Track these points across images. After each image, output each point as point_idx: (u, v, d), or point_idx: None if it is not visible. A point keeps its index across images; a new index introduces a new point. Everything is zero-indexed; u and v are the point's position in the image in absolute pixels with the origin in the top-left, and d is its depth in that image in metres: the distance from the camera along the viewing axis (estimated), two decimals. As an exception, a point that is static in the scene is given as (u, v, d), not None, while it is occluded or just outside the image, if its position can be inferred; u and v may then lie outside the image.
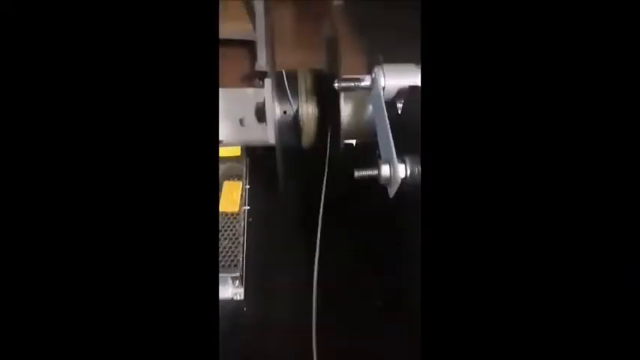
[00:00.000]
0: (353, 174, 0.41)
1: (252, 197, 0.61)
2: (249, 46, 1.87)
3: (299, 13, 2.17)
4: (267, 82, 0.53)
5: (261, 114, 0.55)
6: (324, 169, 0.52)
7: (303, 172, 0.60)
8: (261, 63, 1.76)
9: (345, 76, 0.45)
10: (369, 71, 0.46)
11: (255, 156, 0.66)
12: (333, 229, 0.51)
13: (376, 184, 0.41)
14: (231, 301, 0.53)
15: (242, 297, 0.53)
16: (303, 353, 0.44)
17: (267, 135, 0.57)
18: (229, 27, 1.76)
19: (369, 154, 0.50)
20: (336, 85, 0.43)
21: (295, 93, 0.53)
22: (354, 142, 0.72)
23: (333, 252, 0.51)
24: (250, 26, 1.77)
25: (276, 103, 0.52)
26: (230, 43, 1.81)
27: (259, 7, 1.69)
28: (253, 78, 1.77)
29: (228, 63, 1.83)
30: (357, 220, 0.58)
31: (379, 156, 0.40)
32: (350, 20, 2.29)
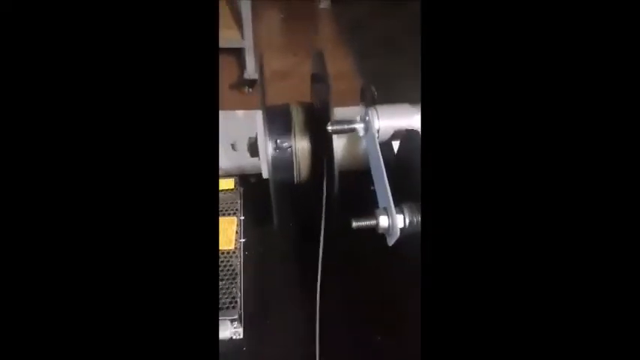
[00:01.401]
0: (349, 218, 0.40)
1: (248, 228, 0.61)
2: (236, 53, 1.85)
3: (286, 17, 2.15)
4: (259, 115, 0.52)
5: (254, 149, 0.55)
6: (321, 202, 0.51)
7: (298, 205, 0.59)
8: (250, 71, 1.75)
9: (337, 118, 0.44)
10: (361, 99, 0.45)
11: (249, 185, 0.66)
12: (332, 263, 0.50)
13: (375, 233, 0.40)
14: (230, 341, 0.52)
15: (241, 336, 0.52)
16: None
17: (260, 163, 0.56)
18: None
19: (365, 190, 0.49)
20: (329, 128, 0.42)
21: (288, 128, 0.52)
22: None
23: (331, 287, 0.50)
24: (238, 33, 1.75)
25: (268, 139, 0.51)
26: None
27: (247, 14, 1.67)
28: (242, 86, 1.75)
29: (216, 72, 1.80)
30: (355, 255, 0.57)
31: (374, 191, 0.39)
32: (336, 23, 2.28)
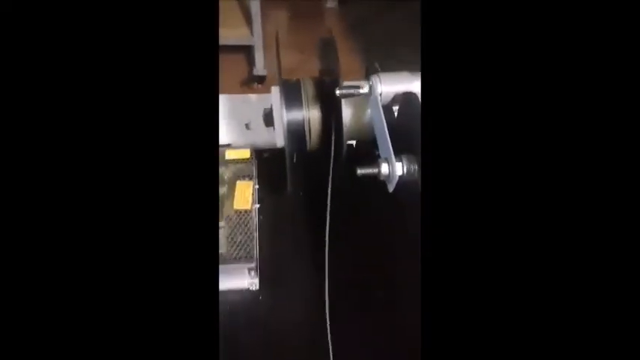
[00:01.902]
0: (355, 172, 0.46)
1: (262, 196, 0.66)
2: (246, 51, 1.92)
3: (293, 15, 2.21)
4: (275, 89, 0.58)
5: (269, 119, 0.60)
6: (330, 167, 0.57)
7: (309, 172, 0.65)
8: (259, 68, 1.81)
9: (345, 84, 0.50)
10: (366, 76, 0.51)
11: (263, 158, 0.71)
12: (339, 225, 0.56)
13: (377, 183, 0.46)
14: (247, 291, 0.58)
15: (257, 287, 0.58)
16: (315, 333, 0.49)
17: (273, 138, 0.62)
18: (226, 33, 1.80)
19: (369, 154, 0.55)
20: (337, 92, 0.48)
21: (299, 99, 0.57)
22: (354, 143, 0.78)
23: (339, 246, 0.56)
24: (247, 31, 1.81)
25: (284, 108, 0.57)
26: (227, 49, 1.85)
27: (256, 12, 1.73)
28: (252, 83, 1.82)
29: (226, 69, 1.88)
30: (360, 216, 0.63)
31: (379, 155, 0.45)
32: (343, 21, 2.34)
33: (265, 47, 1.77)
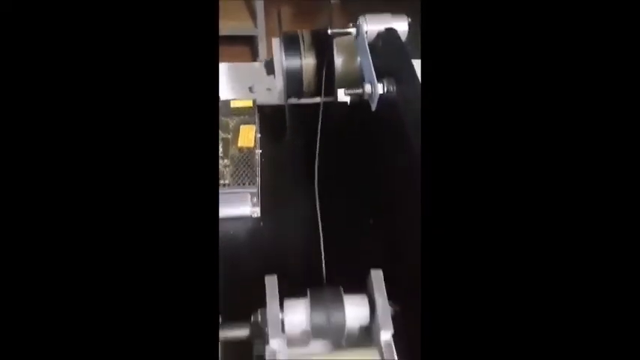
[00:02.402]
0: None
1: (263, 144, 0.74)
2: (249, 43, 2.00)
3: (297, 12, 2.29)
4: (275, 40, 0.66)
5: (269, 67, 0.68)
6: (322, 111, 0.64)
7: (307, 119, 0.72)
8: (262, 57, 1.89)
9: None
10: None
11: (264, 113, 0.79)
12: (332, 166, 0.62)
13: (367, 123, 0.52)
14: (250, 218, 0.65)
15: (259, 214, 0.65)
16: (312, 254, 0.55)
17: (274, 95, 0.70)
18: (231, 25, 1.88)
19: (363, 111, 0.62)
20: (329, 31, 0.56)
21: (297, 48, 0.65)
22: (348, 100, 0.85)
23: (332, 182, 0.62)
24: (251, 24, 1.90)
25: (283, 57, 0.64)
26: (232, 40, 1.93)
27: (260, 7, 1.82)
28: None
29: (232, 60, 1.97)
30: (350, 156, 0.70)
31: (363, 79, 0.52)
32: (346, 18, 2.42)
33: (268, 38, 1.85)
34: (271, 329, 0.40)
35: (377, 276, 0.43)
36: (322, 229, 0.57)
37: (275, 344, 0.40)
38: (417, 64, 0.49)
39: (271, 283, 0.43)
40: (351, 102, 0.64)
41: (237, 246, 0.63)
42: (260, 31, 1.84)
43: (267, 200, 0.66)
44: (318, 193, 0.56)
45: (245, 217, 0.65)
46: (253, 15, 1.86)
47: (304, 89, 0.66)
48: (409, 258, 0.53)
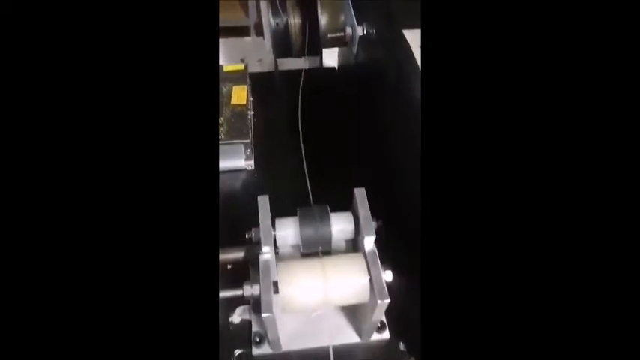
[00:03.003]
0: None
1: (255, 108, 0.77)
2: (243, 33, 2.04)
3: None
4: (263, 3, 0.70)
5: (259, 29, 0.72)
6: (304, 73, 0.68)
7: (294, 88, 0.76)
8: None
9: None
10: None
11: (255, 78, 0.83)
12: (319, 124, 0.66)
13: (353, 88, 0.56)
14: (244, 170, 0.68)
15: (253, 167, 0.69)
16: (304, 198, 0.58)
17: (265, 67, 0.74)
18: (225, 16, 1.93)
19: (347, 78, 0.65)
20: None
21: (284, 9, 0.69)
22: (335, 66, 0.89)
23: (319, 133, 0.66)
24: (243, 14, 1.94)
25: (270, 17, 0.68)
26: (226, 31, 1.97)
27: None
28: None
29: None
30: (336, 115, 0.74)
31: (345, 23, 0.56)
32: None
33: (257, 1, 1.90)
34: (264, 240, 0.43)
35: (360, 193, 0.46)
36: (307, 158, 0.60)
37: (268, 255, 0.43)
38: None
39: (263, 202, 0.46)
40: (338, 66, 0.67)
41: (233, 197, 0.66)
42: (251, 21, 1.88)
43: (260, 157, 0.70)
44: (308, 140, 0.60)
45: (240, 170, 0.69)
46: (246, 11, 1.90)
47: (292, 48, 0.70)
48: (392, 183, 0.57)
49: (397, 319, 0.54)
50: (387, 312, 0.53)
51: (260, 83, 0.82)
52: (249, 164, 0.69)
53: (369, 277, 0.42)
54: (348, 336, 0.52)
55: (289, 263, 0.43)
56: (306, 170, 0.54)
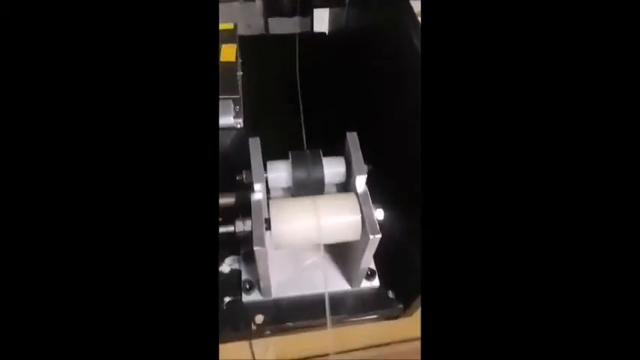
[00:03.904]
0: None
1: (243, 69, 0.77)
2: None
3: None
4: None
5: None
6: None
7: (284, 52, 0.75)
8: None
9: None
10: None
11: (244, 42, 0.82)
12: (313, 89, 0.66)
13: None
14: (233, 128, 0.68)
15: (242, 125, 0.68)
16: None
17: (254, 31, 0.73)
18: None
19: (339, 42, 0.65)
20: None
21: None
22: (326, 31, 0.89)
23: (315, 93, 0.66)
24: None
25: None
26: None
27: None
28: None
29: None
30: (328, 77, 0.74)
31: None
32: None
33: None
34: (255, 178, 0.43)
35: (352, 137, 0.46)
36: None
37: (259, 193, 0.43)
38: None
39: (255, 144, 0.46)
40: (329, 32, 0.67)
41: (222, 157, 0.66)
42: None
43: (249, 117, 0.69)
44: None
45: (229, 128, 0.68)
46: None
47: (283, 6, 0.69)
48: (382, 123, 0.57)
49: (386, 269, 0.54)
50: (376, 260, 0.54)
51: (249, 47, 0.81)
52: (239, 122, 0.68)
53: (360, 214, 0.42)
54: (339, 284, 0.53)
55: (281, 201, 0.43)
56: (302, 113, 0.54)
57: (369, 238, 0.41)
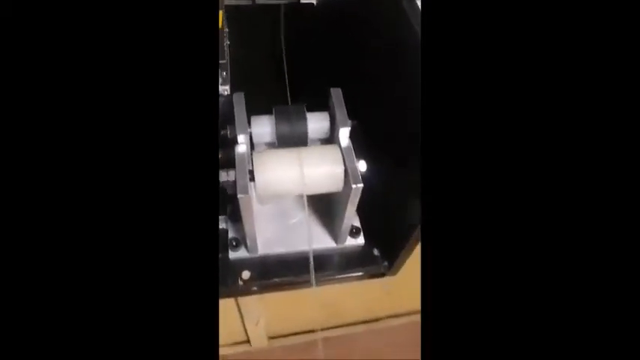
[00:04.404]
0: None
1: (230, 38, 0.77)
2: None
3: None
4: None
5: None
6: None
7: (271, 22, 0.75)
8: None
9: None
10: None
11: (231, 11, 0.81)
12: (299, 60, 0.66)
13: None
14: (220, 95, 0.68)
15: (229, 92, 0.68)
16: None
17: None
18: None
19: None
20: None
21: None
22: (314, 1, 0.89)
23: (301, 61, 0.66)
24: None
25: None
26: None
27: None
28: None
29: None
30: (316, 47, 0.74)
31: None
32: None
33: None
34: (239, 130, 0.43)
35: (336, 92, 0.47)
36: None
37: (243, 145, 0.44)
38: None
39: (239, 99, 0.46)
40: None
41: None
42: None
43: (236, 79, 0.69)
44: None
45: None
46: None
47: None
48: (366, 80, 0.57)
49: (371, 228, 0.55)
50: (361, 219, 0.55)
51: (236, 16, 0.81)
52: (225, 89, 0.68)
53: (343, 165, 0.43)
54: (325, 241, 0.53)
55: (264, 153, 0.44)
56: (287, 82, 0.54)
57: (351, 188, 0.42)
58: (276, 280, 0.51)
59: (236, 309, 1.12)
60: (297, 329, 1.28)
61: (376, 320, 1.35)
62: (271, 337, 1.28)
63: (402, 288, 1.24)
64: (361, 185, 0.42)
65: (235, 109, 0.46)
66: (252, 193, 0.42)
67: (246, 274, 0.51)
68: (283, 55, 0.66)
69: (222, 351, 1.29)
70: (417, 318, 1.38)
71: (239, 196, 0.40)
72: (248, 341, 1.27)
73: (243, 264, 0.51)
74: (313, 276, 0.47)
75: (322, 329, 1.30)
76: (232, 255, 0.51)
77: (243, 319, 1.13)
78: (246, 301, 1.06)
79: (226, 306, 1.10)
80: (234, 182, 0.41)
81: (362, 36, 0.65)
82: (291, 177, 0.42)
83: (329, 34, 0.78)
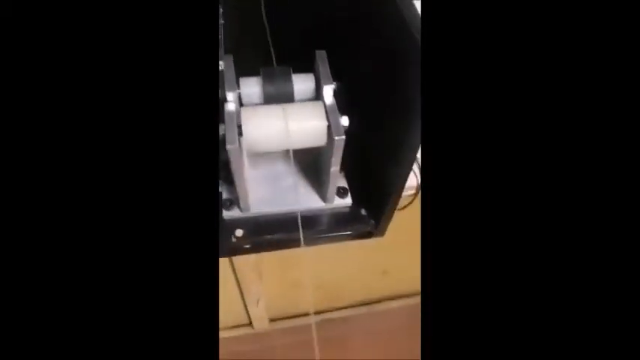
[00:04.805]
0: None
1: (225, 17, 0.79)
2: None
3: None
4: None
5: None
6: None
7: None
8: None
9: None
10: None
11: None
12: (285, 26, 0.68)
13: None
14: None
15: (222, 68, 0.71)
16: None
17: None
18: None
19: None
20: None
21: None
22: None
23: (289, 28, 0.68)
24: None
25: None
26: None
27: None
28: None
29: None
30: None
31: None
32: None
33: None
34: (228, 88, 0.46)
35: (321, 55, 0.49)
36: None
37: (232, 104, 0.46)
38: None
39: (227, 62, 0.49)
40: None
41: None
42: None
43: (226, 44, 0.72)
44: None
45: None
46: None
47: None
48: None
49: (358, 189, 0.57)
50: (349, 180, 0.57)
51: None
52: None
53: (326, 120, 0.45)
54: (314, 202, 0.56)
55: (251, 108, 0.46)
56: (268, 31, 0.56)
57: (334, 140, 0.44)
58: (268, 237, 0.54)
59: (237, 290, 1.15)
60: (297, 312, 1.31)
61: (378, 302, 1.37)
62: (272, 320, 1.31)
63: (401, 270, 1.27)
64: (344, 137, 0.44)
65: (224, 71, 0.48)
66: (242, 147, 0.45)
67: (239, 232, 0.53)
68: (264, 18, 0.68)
69: (224, 334, 1.32)
70: (415, 300, 1.41)
71: (228, 147, 0.42)
72: (250, 324, 1.30)
73: (236, 223, 0.54)
74: (302, 235, 0.49)
75: (320, 312, 1.33)
76: (226, 214, 0.54)
77: (244, 299, 1.16)
78: (246, 280, 1.09)
79: (227, 287, 1.12)
80: (224, 135, 0.44)
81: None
82: (278, 130, 0.45)
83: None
